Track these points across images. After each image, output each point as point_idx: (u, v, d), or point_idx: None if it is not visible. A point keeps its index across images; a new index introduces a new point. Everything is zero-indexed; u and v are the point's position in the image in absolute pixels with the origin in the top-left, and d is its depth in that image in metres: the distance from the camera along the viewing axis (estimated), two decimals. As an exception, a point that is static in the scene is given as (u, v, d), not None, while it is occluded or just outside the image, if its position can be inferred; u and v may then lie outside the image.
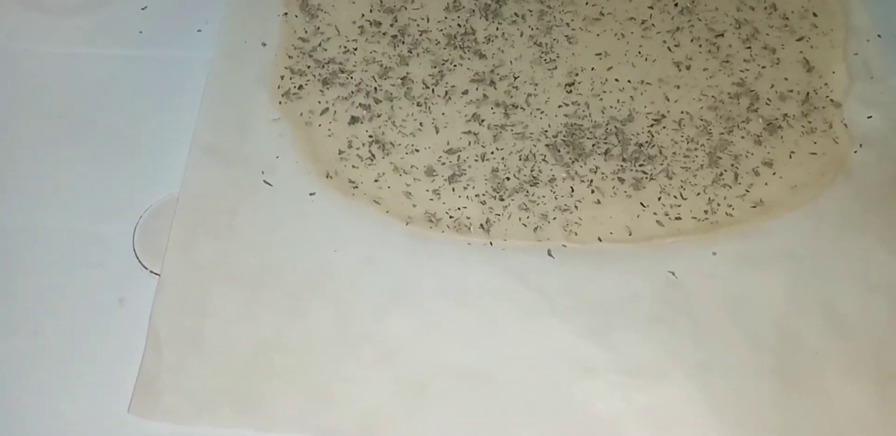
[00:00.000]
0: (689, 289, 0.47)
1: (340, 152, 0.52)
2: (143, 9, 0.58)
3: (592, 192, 0.50)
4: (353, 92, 0.54)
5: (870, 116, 0.53)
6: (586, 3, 0.57)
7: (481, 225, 0.49)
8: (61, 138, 0.53)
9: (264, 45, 0.55)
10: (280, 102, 0.53)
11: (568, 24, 0.56)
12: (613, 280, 0.47)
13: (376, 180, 0.51)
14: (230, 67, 0.54)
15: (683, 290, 0.47)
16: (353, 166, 0.51)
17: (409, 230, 0.49)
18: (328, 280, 0.47)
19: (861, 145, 0.52)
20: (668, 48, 0.55)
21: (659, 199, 0.50)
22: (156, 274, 0.48)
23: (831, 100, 0.53)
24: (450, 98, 0.54)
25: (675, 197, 0.50)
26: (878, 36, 0.56)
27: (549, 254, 0.48)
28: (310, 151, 0.51)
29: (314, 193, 0.50)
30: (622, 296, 0.47)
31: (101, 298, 0.47)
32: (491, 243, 0.49)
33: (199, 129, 0.52)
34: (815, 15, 0.56)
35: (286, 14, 0.57)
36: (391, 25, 0.56)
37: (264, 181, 0.50)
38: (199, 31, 0.57)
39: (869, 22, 0.56)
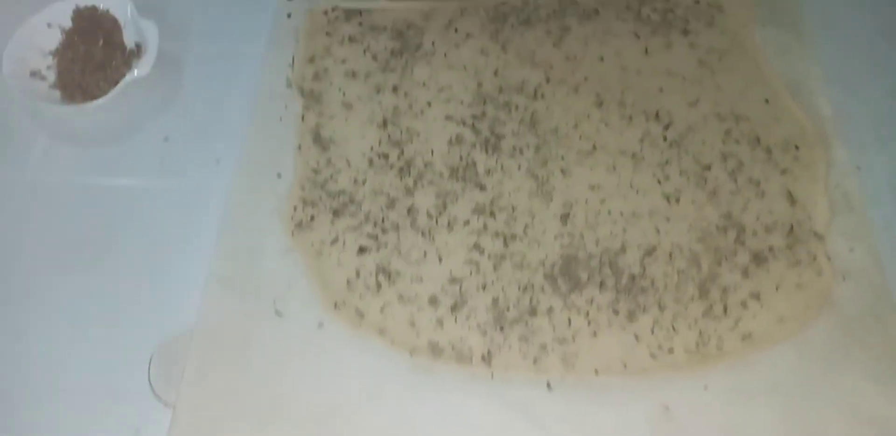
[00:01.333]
0: (683, 423, 0.49)
1: (348, 282, 0.54)
2: (164, 140, 0.62)
3: (589, 324, 0.53)
4: (361, 222, 0.57)
5: (852, 249, 0.55)
6: (579, 137, 0.60)
7: (483, 356, 0.51)
8: (81, 267, 0.56)
9: (279, 176, 0.59)
10: (293, 233, 0.56)
11: (562, 157, 0.60)
12: (610, 414, 0.49)
13: (382, 310, 0.53)
14: (246, 199, 0.58)
15: (677, 423, 0.49)
16: (360, 296, 0.54)
17: (413, 362, 0.51)
18: (333, 416, 0.49)
19: (844, 278, 0.54)
20: (658, 181, 0.58)
21: (652, 331, 0.52)
22: (170, 406, 0.50)
23: (814, 232, 0.56)
24: (452, 228, 0.57)
25: (667, 330, 0.52)
26: (857, 168, 0.59)
27: (548, 386, 0.50)
28: (319, 281, 0.54)
29: (322, 324, 0.53)
30: (619, 430, 0.49)
31: (117, 429, 0.49)
32: (492, 375, 0.51)
33: (214, 260, 0.55)
34: (796, 148, 0.60)
35: (300, 147, 0.60)
36: (398, 158, 0.60)
37: (276, 311, 0.53)
38: (217, 161, 0.60)
39: (847, 155, 0.59)
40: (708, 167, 0.59)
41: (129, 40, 0.65)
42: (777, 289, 0.54)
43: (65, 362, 0.53)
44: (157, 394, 0.50)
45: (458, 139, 0.61)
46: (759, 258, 0.55)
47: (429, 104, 0.62)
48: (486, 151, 0.60)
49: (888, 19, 0.66)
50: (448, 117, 0.62)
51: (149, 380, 0.51)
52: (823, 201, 0.57)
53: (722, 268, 0.54)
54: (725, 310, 0.53)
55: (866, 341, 0.52)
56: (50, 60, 0.64)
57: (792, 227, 0.56)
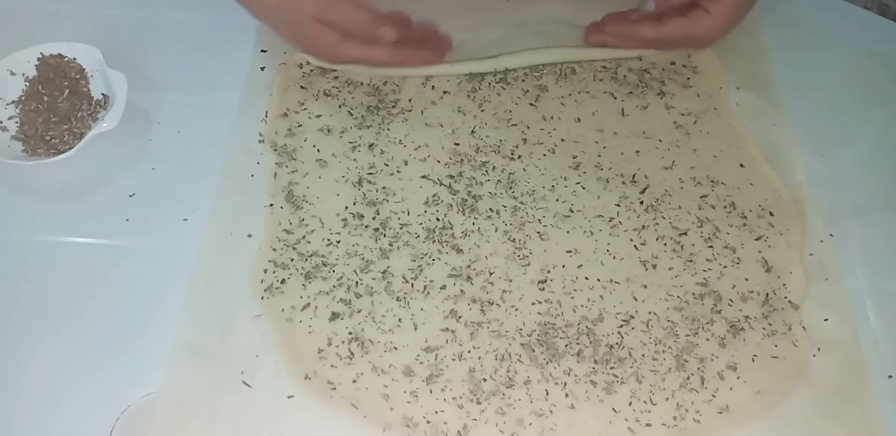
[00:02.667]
0: (662, 502, 0.48)
1: (320, 351, 0.53)
2: (130, 196, 0.59)
3: (566, 396, 0.52)
4: (334, 286, 0.55)
5: (826, 319, 0.55)
6: (556, 200, 0.60)
7: (458, 432, 0.50)
8: (39, 330, 0.53)
9: (249, 236, 0.57)
10: (263, 297, 0.55)
11: (540, 220, 0.59)
12: (587, 493, 0.48)
13: (354, 381, 0.52)
14: (215, 260, 0.56)
15: (656, 503, 0.48)
16: (332, 366, 0.52)
17: (386, 438, 0.50)
18: (304, 498, 0.47)
19: (819, 349, 0.54)
20: (635, 246, 0.58)
21: (630, 404, 0.51)
22: (130, 485, 0.47)
23: (790, 301, 0.56)
24: (428, 293, 0.56)
25: (644, 402, 0.52)
26: (831, 235, 0.59)
27: (525, 465, 0.49)
28: (290, 350, 0.52)
29: (292, 396, 0.51)
30: (596, 510, 0.48)
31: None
32: (467, 452, 0.50)
33: (181, 327, 0.53)
34: (771, 214, 0.60)
35: (272, 205, 0.59)
36: (373, 218, 0.59)
37: (244, 382, 0.51)
38: (185, 220, 0.58)
39: (822, 222, 0.60)
40: (684, 233, 0.59)
41: (95, 91, 0.63)
42: (754, 360, 0.53)
43: (19, 433, 0.50)
44: (117, 472, 0.48)
45: (435, 200, 0.60)
46: (735, 328, 0.55)
47: (405, 163, 0.61)
48: (463, 213, 0.59)
49: (861, 87, 0.68)
50: (425, 177, 0.61)
51: (108, 455, 0.49)
52: (798, 269, 0.58)
53: (699, 338, 0.54)
54: (703, 382, 0.52)
55: (842, 415, 0.52)
56: (12, 111, 0.61)
57: (767, 295, 0.56)
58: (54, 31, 0.65)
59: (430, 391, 0.52)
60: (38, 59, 0.63)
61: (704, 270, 0.57)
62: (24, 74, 0.63)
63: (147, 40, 0.68)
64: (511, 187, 0.61)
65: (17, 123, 0.61)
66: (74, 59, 0.63)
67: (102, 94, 0.62)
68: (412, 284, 0.56)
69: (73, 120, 0.61)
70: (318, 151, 0.62)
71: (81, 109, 0.61)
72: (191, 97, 0.64)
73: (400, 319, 0.54)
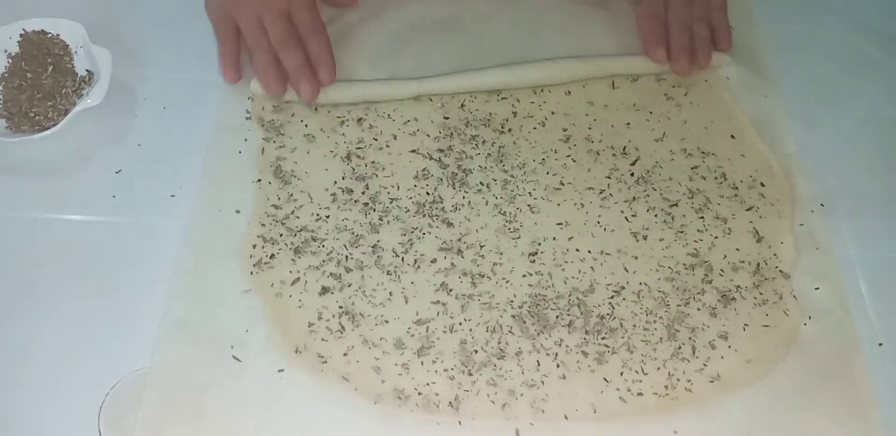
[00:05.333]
0: (653, 470, 0.48)
1: (310, 325, 0.52)
2: (116, 172, 0.59)
3: (558, 366, 0.52)
4: (324, 261, 0.55)
5: (817, 288, 0.55)
6: (547, 173, 0.60)
7: (450, 403, 0.50)
8: (26, 307, 0.53)
9: (238, 212, 0.57)
10: (252, 273, 0.54)
11: (530, 193, 0.59)
12: (580, 462, 0.48)
13: (345, 354, 0.51)
14: (203, 237, 0.55)
15: (648, 470, 0.48)
16: (323, 339, 0.52)
17: (378, 410, 0.49)
18: (296, 470, 0.47)
19: (810, 318, 0.54)
20: (626, 218, 0.58)
21: (621, 374, 0.51)
22: (121, 459, 0.47)
23: (781, 271, 0.56)
24: (419, 266, 0.55)
25: (636, 372, 0.52)
26: (822, 205, 0.59)
27: (517, 434, 0.49)
28: (280, 324, 0.52)
29: (283, 370, 0.50)
30: (589, 478, 0.48)
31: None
32: (460, 423, 0.49)
33: (170, 303, 0.52)
34: (762, 185, 0.60)
35: (260, 181, 0.58)
36: (363, 193, 0.58)
37: (233, 357, 0.51)
38: (172, 196, 0.58)
39: (812, 192, 0.60)
40: (675, 204, 0.59)
41: (80, 67, 0.62)
42: (745, 329, 0.53)
43: (9, 408, 0.50)
44: (108, 446, 0.48)
45: (425, 174, 0.59)
46: (726, 298, 0.55)
47: (394, 137, 0.61)
48: (454, 187, 0.59)
49: (850, 57, 0.67)
50: (414, 151, 0.60)
51: (99, 429, 0.48)
52: (789, 239, 0.58)
53: (690, 308, 0.54)
54: (694, 351, 0.52)
55: (832, 385, 0.52)
56: (-6, 88, 0.61)
57: (759, 265, 0.56)
58: (36, 7, 0.64)
59: (422, 363, 0.51)
60: (21, 35, 0.62)
61: (695, 241, 0.57)
62: (6, 51, 0.62)
63: (132, 16, 0.67)
64: (501, 161, 0.60)
65: (0, 100, 0.60)
66: (58, 35, 0.63)
67: (87, 71, 0.62)
68: (402, 258, 0.56)
69: (57, 97, 0.60)
70: (306, 126, 0.61)
71: (66, 86, 0.61)
72: (176, 73, 0.64)
73: (391, 293, 0.54)
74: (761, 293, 0.55)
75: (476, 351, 0.52)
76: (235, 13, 0.62)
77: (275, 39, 0.61)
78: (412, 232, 0.57)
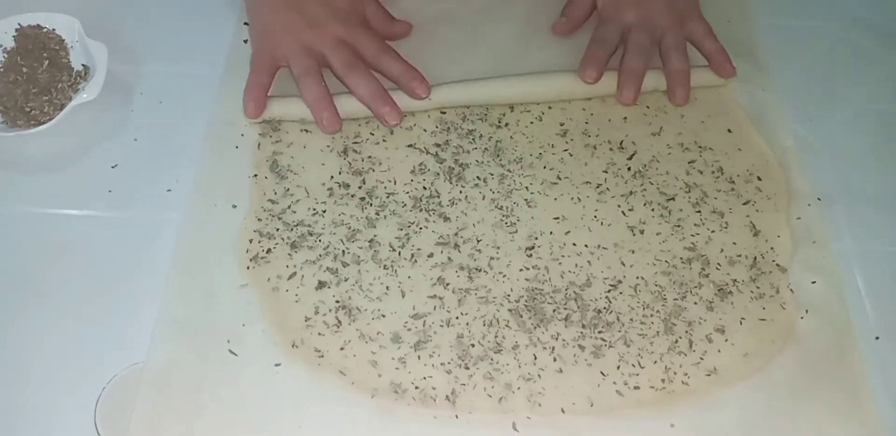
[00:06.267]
0: (650, 463, 0.48)
1: (307, 319, 0.52)
2: (113, 167, 0.59)
3: (554, 360, 0.52)
4: (320, 255, 0.55)
5: (814, 282, 0.55)
6: (544, 167, 0.60)
7: (447, 396, 0.50)
8: (23, 302, 0.53)
9: (234, 207, 0.57)
10: (248, 267, 0.54)
11: (527, 187, 0.59)
12: (577, 456, 0.48)
13: (342, 348, 0.51)
14: (199, 232, 0.55)
15: (644, 463, 0.48)
16: (320, 334, 0.52)
17: (374, 404, 0.49)
18: (293, 464, 0.47)
19: (807, 311, 0.54)
20: (623, 212, 0.58)
21: (618, 367, 0.51)
22: (117, 454, 0.47)
23: (777, 265, 0.56)
24: (415, 261, 0.55)
25: (633, 366, 0.52)
26: (818, 199, 0.59)
27: (514, 427, 0.49)
28: (276, 318, 0.52)
29: (280, 364, 0.50)
30: (585, 472, 0.48)
31: (59, 481, 0.47)
32: (457, 416, 0.49)
33: (166, 297, 0.52)
34: (759, 179, 0.60)
35: (256, 175, 0.58)
36: (359, 187, 0.58)
37: (230, 351, 0.51)
38: (168, 190, 0.58)
39: (809, 186, 0.60)
40: (672, 198, 0.59)
41: (75, 62, 0.62)
42: (741, 323, 0.53)
43: (5, 401, 0.49)
44: (104, 441, 0.48)
45: (422, 168, 0.59)
46: (723, 291, 0.55)
47: (391, 132, 0.61)
48: (450, 181, 0.59)
49: (847, 51, 0.67)
50: (411, 145, 0.60)
51: (95, 424, 0.48)
52: (786, 233, 0.57)
53: (687, 301, 0.54)
54: (691, 345, 0.52)
55: (829, 379, 0.52)
56: (-10, 83, 0.61)
57: (755, 259, 0.56)
58: (32, 1, 0.64)
59: (419, 357, 0.51)
60: (16, 30, 0.62)
61: (692, 235, 0.57)
62: (1, 46, 0.62)
63: (127, 10, 0.67)
64: (498, 155, 0.60)
65: (-5, 95, 0.60)
66: (53, 29, 0.62)
67: (83, 65, 0.61)
68: (399, 253, 0.56)
69: (53, 91, 0.60)
70: (303, 121, 0.61)
71: (61, 80, 0.60)
72: (172, 68, 0.63)
73: (387, 287, 0.54)
74: (758, 287, 0.55)
75: (473, 345, 0.52)
76: (284, 43, 0.60)
77: (342, 64, 0.59)
78: (409, 226, 0.57)
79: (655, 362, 0.52)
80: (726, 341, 0.53)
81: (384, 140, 0.61)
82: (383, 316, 0.53)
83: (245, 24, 0.66)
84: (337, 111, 0.59)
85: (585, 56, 0.63)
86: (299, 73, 0.60)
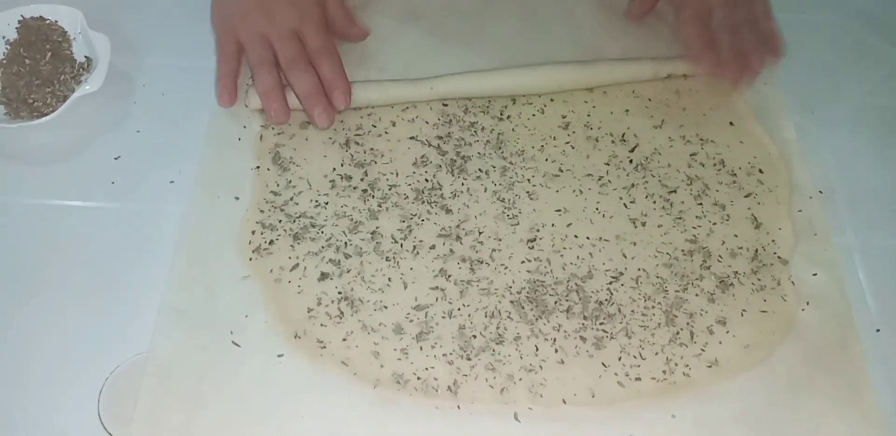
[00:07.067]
0: (651, 453, 0.49)
1: (309, 310, 0.53)
2: (115, 159, 0.59)
3: (556, 351, 0.52)
4: (323, 247, 0.55)
5: (815, 274, 0.56)
6: (546, 160, 0.60)
7: (449, 387, 0.50)
8: (26, 293, 0.53)
9: (237, 198, 0.57)
10: (250, 259, 0.54)
11: (529, 180, 0.59)
12: (578, 446, 0.49)
13: (344, 339, 0.52)
14: (202, 223, 0.55)
15: (645, 454, 0.49)
16: (322, 325, 0.52)
17: (376, 394, 0.49)
18: (295, 454, 0.47)
19: (808, 303, 0.54)
20: (625, 205, 0.58)
21: (619, 358, 0.52)
22: (121, 443, 0.47)
23: (779, 257, 0.56)
24: (418, 253, 0.55)
25: (634, 357, 0.52)
26: (820, 192, 0.59)
27: (516, 418, 0.49)
28: (279, 310, 0.52)
29: (282, 355, 0.51)
30: (586, 462, 0.48)
31: (63, 469, 0.47)
32: (458, 407, 0.50)
33: (168, 289, 0.52)
34: (760, 171, 0.60)
35: (258, 167, 0.58)
36: (361, 179, 0.58)
37: (233, 342, 0.51)
38: (171, 182, 0.58)
39: (810, 179, 0.60)
40: (674, 191, 0.59)
41: (78, 53, 0.62)
42: (743, 315, 0.54)
43: (9, 392, 0.50)
44: (108, 430, 0.48)
45: (424, 161, 0.59)
46: (724, 284, 0.55)
47: (393, 124, 0.61)
48: (452, 173, 0.59)
49: (849, 45, 0.67)
50: (413, 138, 0.60)
51: (98, 414, 0.49)
52: (787, 225, 0.58)
53: (688, 293, 0.54)
54: (692, 336, 0.53)
55: (829, 371, 0.52)
56: (-7, 74, 0.61)
57: (757, 251, 0.56)
58: (34, -7, 0.64)
59: (421, 348, 0.52)
60: (19, 21, 0.62)
61: (694, 227, 0.57)
62: (4, 37, 0.62)
63: (130, 2, 0.67)
64: (500, 148, 0.60)
65: (-1, 86, 0.60)
66: (56, 21, 0.63)
67: (85, 57, 0.62)
68: (401, 245, 0.56)
69: (55, 83, 0.60)
70: (304, 112, 0.61)
71: (64, 72, 0.61)
72: (175, 60, 0.64)
73: (389, 279, 0.54)
74: (759, 279, 0.55)
75: (475, 336, 0.52)
76: (240, 29, 0.60)
77: (284, 59, 0.59)
78: (411, 218, 0.57)
79: (657, 353, 0.52)
80: (727, 332, 0.53)
81: (386, 132, 0.61)
82: (385, 307, 0.53)
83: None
84: (287, 103, 0.59)
85: (693, 40, 0.63)
86: (254, 62, 0.60)
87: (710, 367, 0.52)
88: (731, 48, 0.62)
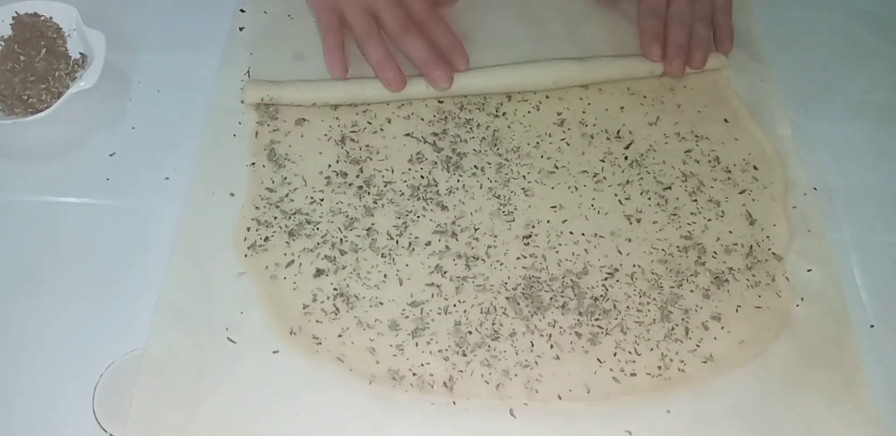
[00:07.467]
0: (646, 449, 0.49)
1: (305, 307, 0.53)
2: (110, 155, 0.59)
3: (551, 347, 0.52)
4: (318, 243, 0.55)
5: (809, 270, 0.56)
6: (541, 157, 0.60)
7: (444, 383, 0.50)
8: (20, 290, 0.53)
9: (232, 195, 0.57)
10: (246, 255, 0.54)
11: (524, 176, 0.59)
12: (574, 441, 0.49)
13: (340, 336, 0.52)
14: (197, 220, 0.55)
15: (640, 449, 0.49)
16: (318, 321, 0.52)
17: (372, 390, 0.49)
18: (291, 451, 0.47)
19: (803, 299, 0.55)
20: (620, 201, 0.58)
21: (615, 354, 0.52)
22: (116, 440, 0.47)
23: (773, 253, 0.56)
24: (413, 249, 0.55)
25: (629, 353, 0.52)
26: (814, 189, 0.60)
27: (512, 414, 0.49)
28: (274, 306, 0.52)
29: (278, 352, 0.51)
30: (582, 457, 0.48)
31: (59, 466, 0.47)
32: (454, 403, 0.50)
33: (164, 286, 0.52)
34: (755, 168, 0.60)
35: (254, 164, 0.58)
36: (357, 176, 0.58)
37: (228, 339, 0.51)
38: (166, 179, 0.58)
39: (805, 175, 0.60)
40: (669, 187, 0.59)
41: (73, 50, 0.62)
42: (737, 310, 0.54)
43: (3, 389, 0.49)
44: (103, 427, 0.48)
45: (419, 157, 0.59)
46: (719, 279, 0.55)
47: (388, 121, 0.61)
48: (448, 170, 0.59)
49: (844, 42, 0.67)
50: (408, 134, 0.60)
51: (93, 411, 0.48)
52: (782, 222, 0.58)
53: (683, 289, 0.55)
54: (687, 332, 0.53)
55: (823, 366, 0.52)
56: (-13, 71, 0.61)
57: (751, 247, 0.57)
58: (29, -11, 0.64)
59: (416, 344, 0.52)
60: (14, 18, 0.62)
61: (689, 224, 0.57)
62: (-2, 34, 0.62)
63: (125, -1, 0.67)
64: (496, 144, 0.60)
65: (-7, 83, 0.60)
66: (51, 18, 0.62)
67: (80, 54, 0.61)
68: (397, 241, 0.56)
69: (50, 79, 0.59)
70: (300, 109, 0.61)
71: (59, 69, 0.60)
72: (170, 56, 0.63)
73: (385, 275, 0.54)
74: (754, 275, 0.55)
75: (470, 332, 0.52)
76: (343, 2, 0.62)
77: (394, 27, 0.61)
78: (406, 215, 0.57)
79: (652, 349, 0.52)
80: (722, 328, 0.53)
81: (382, 129, 0.61)
82: (381, 304, 0.53)
83: (241, 11, 0.66)
84: (401, 70, 0.60)
85: (644, 32, 0.64)
86: (361, 34, 0.62)
87: (705, 362, 0.52)
88: (676, 43, 0.63)
